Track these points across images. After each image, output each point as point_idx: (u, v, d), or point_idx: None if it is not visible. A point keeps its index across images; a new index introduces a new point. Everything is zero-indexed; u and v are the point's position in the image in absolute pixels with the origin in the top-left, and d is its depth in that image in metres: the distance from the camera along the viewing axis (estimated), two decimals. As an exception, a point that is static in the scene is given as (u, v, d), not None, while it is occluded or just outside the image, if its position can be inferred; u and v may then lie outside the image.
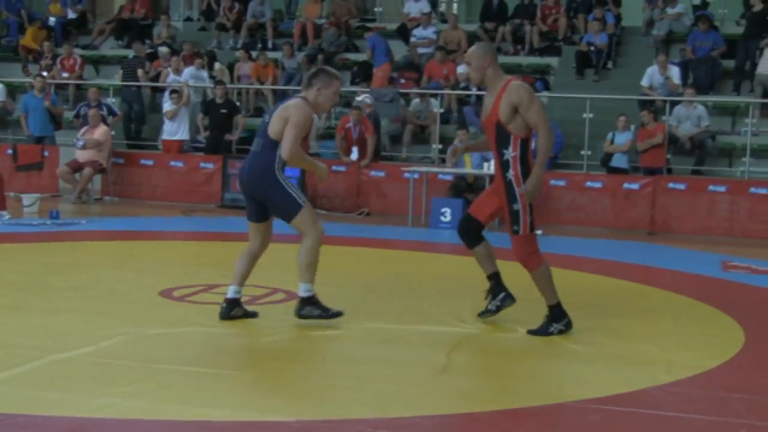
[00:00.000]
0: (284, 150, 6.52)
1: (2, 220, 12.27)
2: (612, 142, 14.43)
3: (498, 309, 7.12)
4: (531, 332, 6.74)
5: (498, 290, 7.17)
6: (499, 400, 5.14)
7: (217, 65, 17.67)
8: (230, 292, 6.84)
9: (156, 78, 17.71)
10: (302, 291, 6.68)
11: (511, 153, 6.63)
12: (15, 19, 20.68)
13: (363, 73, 17.37)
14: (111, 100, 17.13)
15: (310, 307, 6.69)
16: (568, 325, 6.82)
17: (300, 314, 6.68)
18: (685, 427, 4.86)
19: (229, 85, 16.87)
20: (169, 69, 17.02)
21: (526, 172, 6.66)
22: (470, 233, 7.05)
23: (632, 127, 14.56)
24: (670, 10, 17.44)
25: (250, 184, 6.67)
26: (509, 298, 7.15)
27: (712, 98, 15.70)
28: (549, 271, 6.89)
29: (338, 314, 6.76)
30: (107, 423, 4.59)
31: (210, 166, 15.37)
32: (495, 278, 7.20)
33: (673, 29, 17.28)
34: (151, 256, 10.18)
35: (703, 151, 14.67)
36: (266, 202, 6.67)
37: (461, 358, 6.05)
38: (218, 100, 15.77)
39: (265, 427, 4.65)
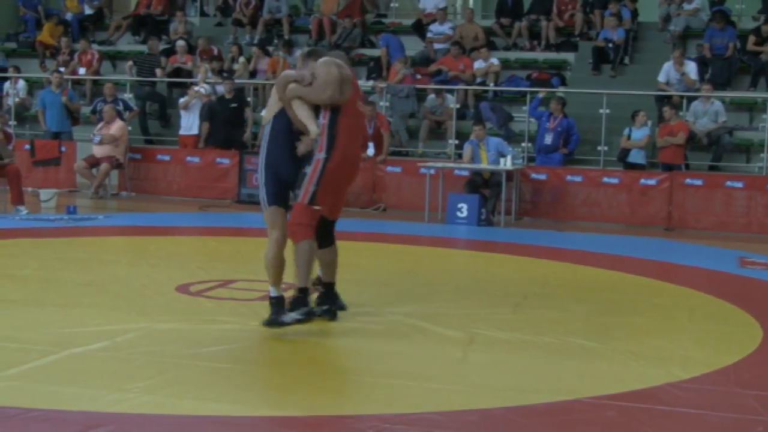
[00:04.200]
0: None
1: (20, 215, 12.32)
2: (629, 137, 14.38)
3: (313, 316, 6.57)
4: (265, 323, 6.38)
5: (327, 300, 6.87)
6: (513, 397, 5.14)
7: (241, 59, 17.71)
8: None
9: (173, 74, 17.74)
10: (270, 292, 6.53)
11: (321, 121, 6.54)
12: (32, 15, 20.75)
13: (379, 69, 17.37)
14: (127, 96, 17.17)
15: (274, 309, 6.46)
16: (307, 315, 6.42)
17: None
18: (701, 424, 4.84)
19: (245, 81, 16.88)
20: (201, 87, 16.73)
21: (331, 142, 6.51)
22: (320, 233, 6.71)
23: (649, 122, 14.50)
24: (686, 6, 17.35)
25: None
26: (331, 314, 6.80)
27: (729, 94, 15.63)
28: (310, 253, 6.49)
29: (294, 322, 6.43)
30: (122, 418, 4.61)
31: (226, 161, 15.39)
32: (329, 288, 6.89)
33: (689, 25, 17.19)
34: (168, 251, 10.21)
35: (720, 147, 14.61)
36: None
37: (476, 354, 6.04)
38: (227, 95, 15.77)
39: (280, 423, 4.66)
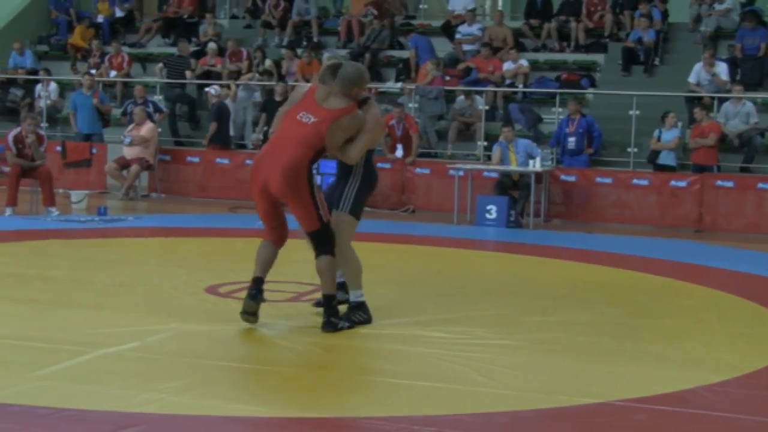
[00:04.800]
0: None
1: (51, 216, 12.42)
2: (659, 139, 14.29)
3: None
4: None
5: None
6: (543, 399, 5.12)
7: (267, 62, 17.77)
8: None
9: (203, 76, 17.83)
10: None
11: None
12: (64, 17, 20.90)
13: (407, 70, 17.37)
14: (157, 98, 17.26)
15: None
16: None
17: None
18: (732, 427, 4.81)
19: (270, 84, 16.94)
20: (212, 89, 16.90)
21: None
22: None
23: (679, 124, 14.41)
24: (718, 6, 17.22)
25: None
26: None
27: (760, 95, 15.50)
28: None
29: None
30: (153, 418, 4.63)
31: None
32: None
33: (721, 25, 17.07)
34: (197, 252, 10.26)
35: (752, 149, 14.49)
36: None
37: (505, 356, 6.02)
38: (278, 98, 15.76)
39: (309, 424, 4.67)
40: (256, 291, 6.58)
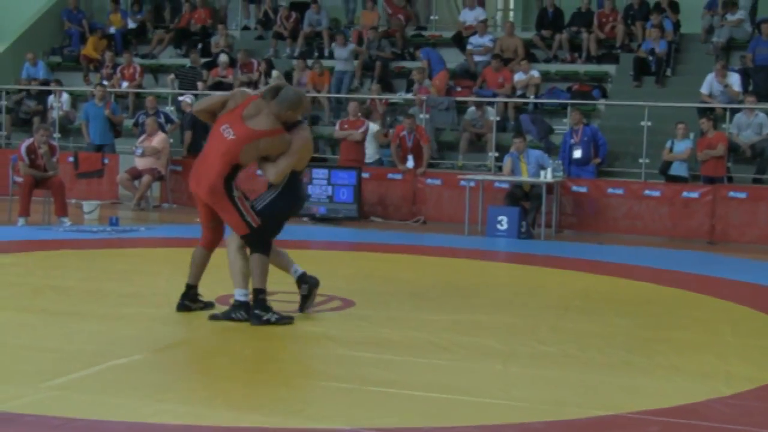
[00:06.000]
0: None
1: (63, 227, 12.46)
2: (671, 150, 14.26)
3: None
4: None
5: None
6: (554, 411, 5.10)
7: (274, 73, 17.79)
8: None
9: (215, 87, 17.87)
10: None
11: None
12: (77, 29, 20.98)
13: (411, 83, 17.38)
14: (169, 109, 17.31)
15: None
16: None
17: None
18: (745, 440, 4.79)
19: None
20: (186, 98, 16.98)
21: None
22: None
23: (691, 135, 14.38)
24: (730, 17, 17.20)
25: None
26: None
27: (773, 106, 15.46)
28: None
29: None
30: (163, 428, 4.63)
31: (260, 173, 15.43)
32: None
33: (733, 36, 17.04)
34: (209, 263, 10.25)
35: (765, 160, 14.43)
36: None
37: (516, 368, 6.01)
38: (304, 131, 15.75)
39: (319, 435, 4.66)
40: (182, 301, 7.30)
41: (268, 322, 6.87)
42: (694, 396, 5.45)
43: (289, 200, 7.21)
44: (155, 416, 4.77)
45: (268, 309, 6.95)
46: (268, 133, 6.86)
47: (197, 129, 15.94)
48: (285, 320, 6.99)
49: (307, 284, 7.43)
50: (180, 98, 16.88)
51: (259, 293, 6.96)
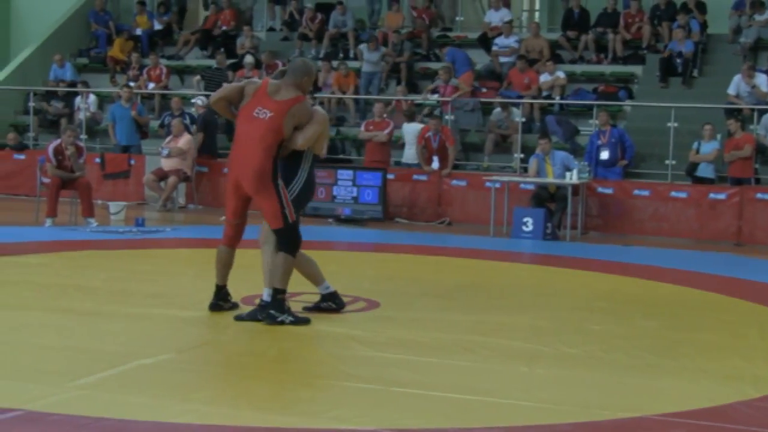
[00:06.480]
0: None
1: (90, 227, 12.53)
2: (697, 151, 14.18)
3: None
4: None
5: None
6: (579, 413, 5.08)
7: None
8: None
9: (240, 88, 17.91)
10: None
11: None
12: (103, 30, 21.10)
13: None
14: (194, 110, 17.36)
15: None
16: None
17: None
18: (772, 443, 4.75)
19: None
20: (198, 99, 17.06)
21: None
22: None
23: (718, 136, 14.30)
24: (758, 17, 17.09)
25: None
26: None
27: (801, 106, 15.34)
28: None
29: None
30: (189, 428, 4.65)
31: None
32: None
33: (761, 36, 16.92)
34: (234, 263, 10.27)
35: (793, 161, 14.36)
36: None
37: (541, 369, 5.99)
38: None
39: (344, 436, 4.66)
40: (214, 303, 7.32)
41: (282, 323, 6.87)
42: (721, 398, 5.41)
43: (312, 187, 7.33)
44: (181, 416, 4.79)
45: (284, 310, 6.94)
46: (296, 100, 6.97)
47: (209, 130, 15.99)
48: (300, 322, 6.97)
49: (335, 305, 7.45)
50: (192, 100, 16.91)
51: (278, 293, 6.96)
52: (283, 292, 6.98)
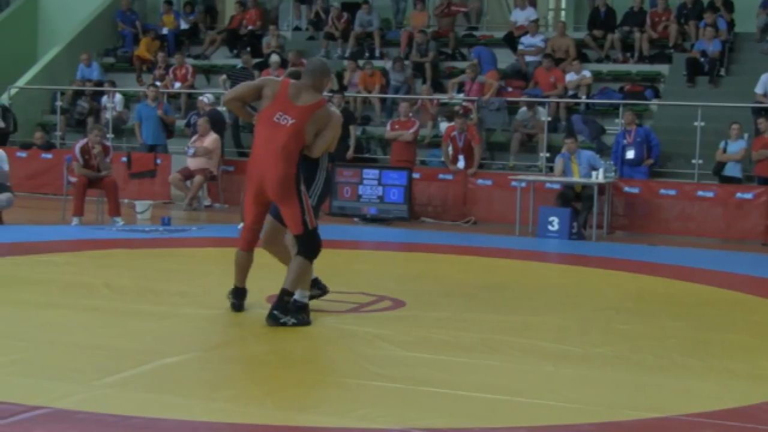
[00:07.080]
0: None
1: (116, 226, 12.59)
2: (724, 150, 14.10)
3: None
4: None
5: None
6: (605, 413, 5.06)
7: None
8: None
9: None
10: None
11: None
12: (130, 30, 21.22)
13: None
14: (221, 109, 17.41)
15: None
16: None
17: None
18: (801, 444, 4.71)
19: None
20: (204, 98, 17.06)
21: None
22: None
23: (745, 135, 14.20)
24: (786, 16, 16.98)
25: None
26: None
27: (830, 105, 15.22)
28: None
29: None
30: (216, 427, 4.66)
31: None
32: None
33: (789, 35, 16.82)
34: (259, 262, 10.24)
35: (821, 160, 14.23)
36: None
37: (568, 369, 5.97)
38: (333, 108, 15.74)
39: (370, 435, 4.66)
40: (238, 304, 7.31)
41: (284, 325, 6.82)
42: (748, 399, 5.37)
43: (327, 190, 7.44)
44: (207, 415, 4.80)
45: (287, 312, 6.89)
46: (317, 105, 6.92)
47: (216, 129, 15.97)
48: (302, 324, 6.93)
49: (320, 290, 7.54)
50: (200, 97, 16.92)
51: (286, 294, 6.90)
52: (291, 294, 6.93)
